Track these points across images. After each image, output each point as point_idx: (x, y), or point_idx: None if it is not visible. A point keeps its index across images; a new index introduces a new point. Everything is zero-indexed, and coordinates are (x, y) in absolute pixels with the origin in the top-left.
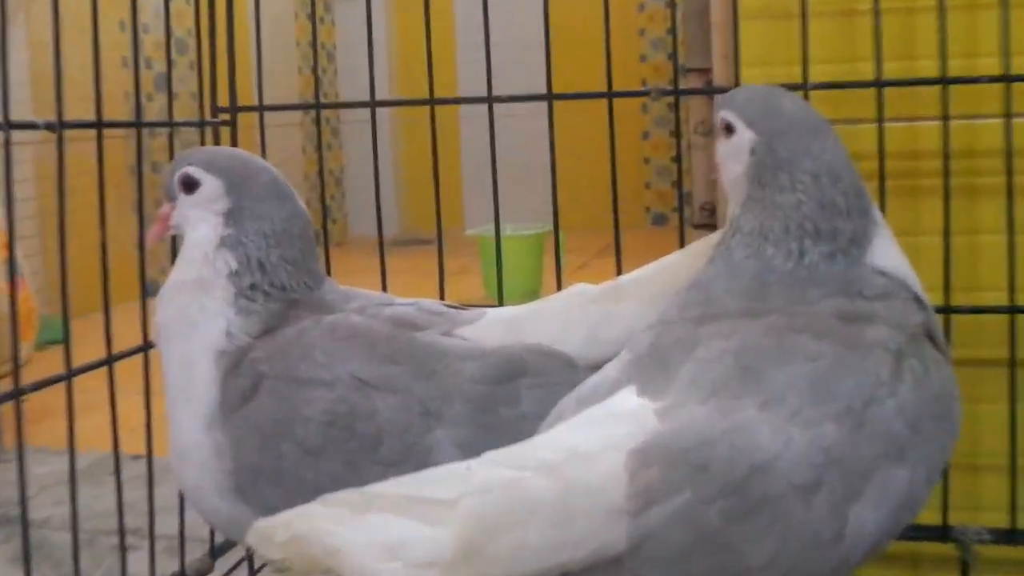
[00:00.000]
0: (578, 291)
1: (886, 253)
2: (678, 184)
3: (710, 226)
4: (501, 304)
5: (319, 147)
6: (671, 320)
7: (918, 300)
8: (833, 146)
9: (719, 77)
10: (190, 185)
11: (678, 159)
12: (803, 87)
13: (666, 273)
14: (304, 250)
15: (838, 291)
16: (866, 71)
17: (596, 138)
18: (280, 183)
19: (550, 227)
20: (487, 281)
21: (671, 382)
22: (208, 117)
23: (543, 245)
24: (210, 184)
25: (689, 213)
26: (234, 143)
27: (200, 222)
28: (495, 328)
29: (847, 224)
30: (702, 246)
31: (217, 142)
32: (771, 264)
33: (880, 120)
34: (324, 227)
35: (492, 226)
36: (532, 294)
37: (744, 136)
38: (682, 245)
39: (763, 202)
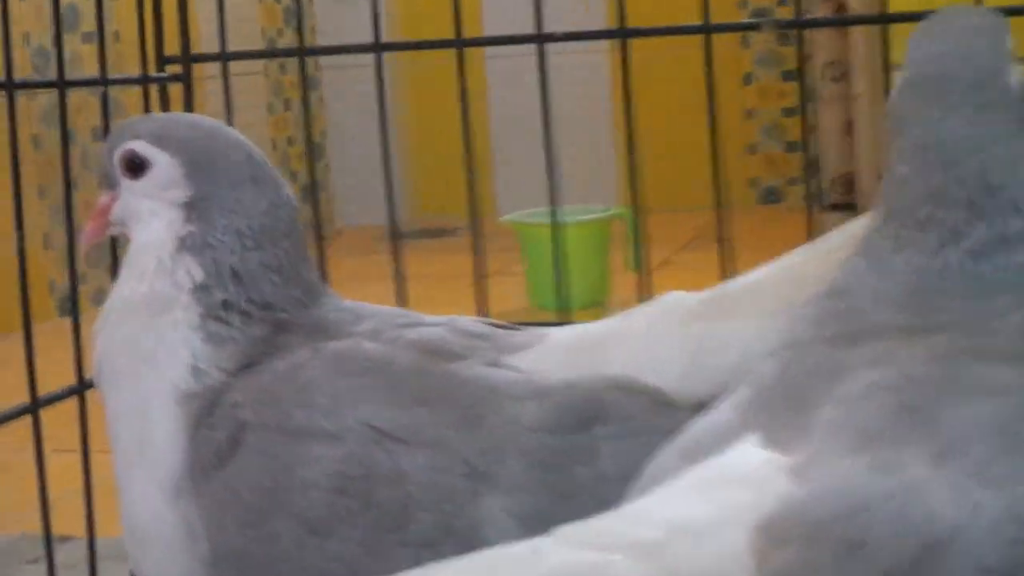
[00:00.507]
0: (672, 302)
1: None
2: (804, 149)
3: (847, 207)
4: (561, 319)
5: (305, 106)
6: (802, 342)
7: None
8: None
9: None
10: (136, 167)
11: (802, 115)
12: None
13: (791, 276)
14: (293, 253)
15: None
16: None
17: (677, 88)
18: (259, 162)
19: (617, 209)
20: (532, 286)
21: (807, 428)
22: (152, 71)
23: (608, 234)
24: (164, 165)
25: (816, 189)
26: (189, 106)
27: (152, 217)
28: (559, 355)
29: None
30: (839, 239)
31: (166, 106)
32: (939, 261)
33: None
34: (316, 218)
35: (532, 212)
36: (596, 304)
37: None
38: (809, 234)
39: (923, 171)
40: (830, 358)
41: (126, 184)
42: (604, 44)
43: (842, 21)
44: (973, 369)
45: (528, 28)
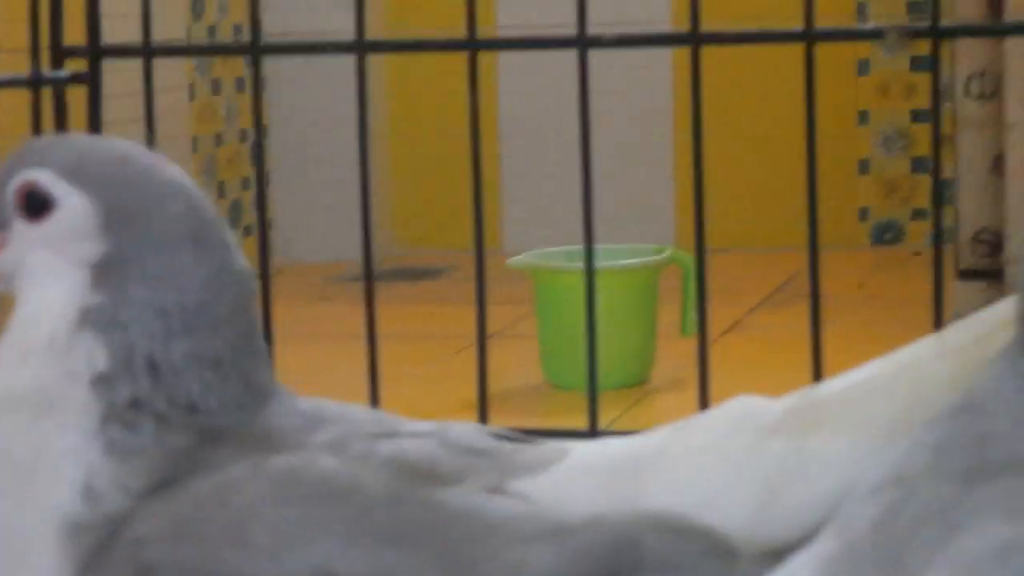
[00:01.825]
0: (741, 410)
1: None
2: (934, 192)
3: (990, 275)
4: (594, 425)
5: (256, 117)
6: (915, 476)
7: None
8: None
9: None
10: (37, 206)
11: (935, 144)
12: None
13: (909, 381)
14: (237, 343)
15: None
16: None
17: (760, 92)
18: (204, 217)
19: (671, 251)
20: (547, 355)
21: None
22: (47, 68)
23: (655, 286)
24: (74, 208)
25: (950, 246)
26: (95, 116)
27: (49, 276)
28: (585, 481)
29: None
30: (979, 328)
31: (62, 115)
32: None
33: None
34: (262, 252)
35: (549, 252)
36: (635, 383)
37: None
38: (938, 313)
39: None
40: (951, 499)
41: (20, 227)
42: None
43: (996, 31)
44: None
45: (556, 18)
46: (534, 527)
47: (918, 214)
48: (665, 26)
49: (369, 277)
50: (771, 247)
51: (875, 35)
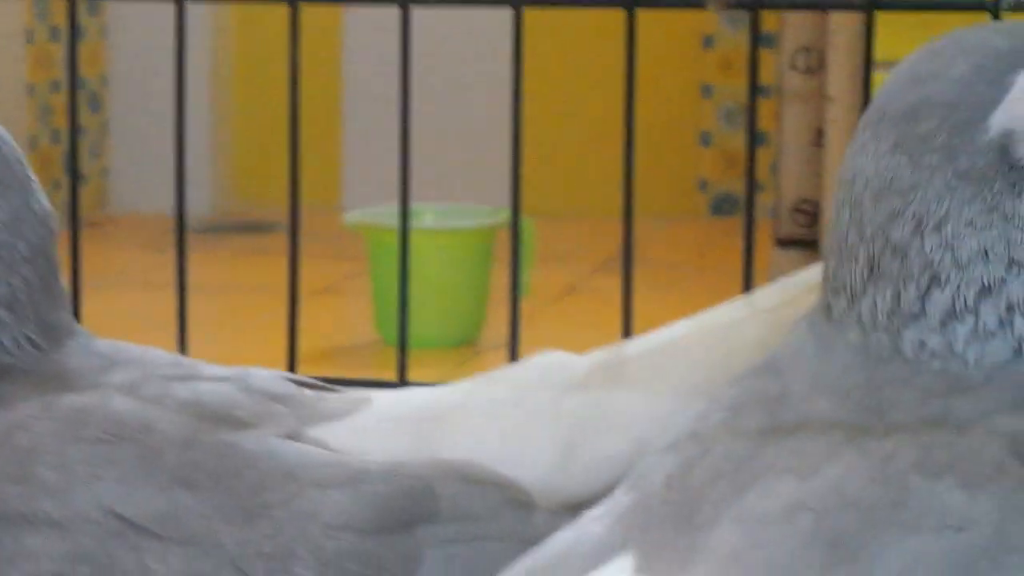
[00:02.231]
0: (548, 365)
1: None
2: (748, 165)
3: (807, 244)
4: (403, 377)
5: (71, 42)
6: (712, 431)
7: None
8: None
9: None
10: None
11: (749, 118)
12: (993, 5)
13: (714, 340)
14: (35, 283)
15: (1011, 403)
16: None
17: (598, 67)
18: (5, 156)
19: (508, 213)
20: (380, 312)
21: (694, 553)
22: None
23: (490, 248)
24: None
25: (768, 215)
26: None
27: None
28: (385, 429)
29: None
30: (787, 291)
31: None
32: (905, 344)
33: None
34: (72, 197)
35: (381, 209)
36: (466, 343)
37: None
38: (747, 279)
39: (850, 212)
40: (742, 459)
41: None
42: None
43: (813, 4)
44: (923, 492)
45: None
46: (330, 473)
47: (757, 187)
48: None
49: (182, 228)
50: (610, 214)
51: (696, 4)
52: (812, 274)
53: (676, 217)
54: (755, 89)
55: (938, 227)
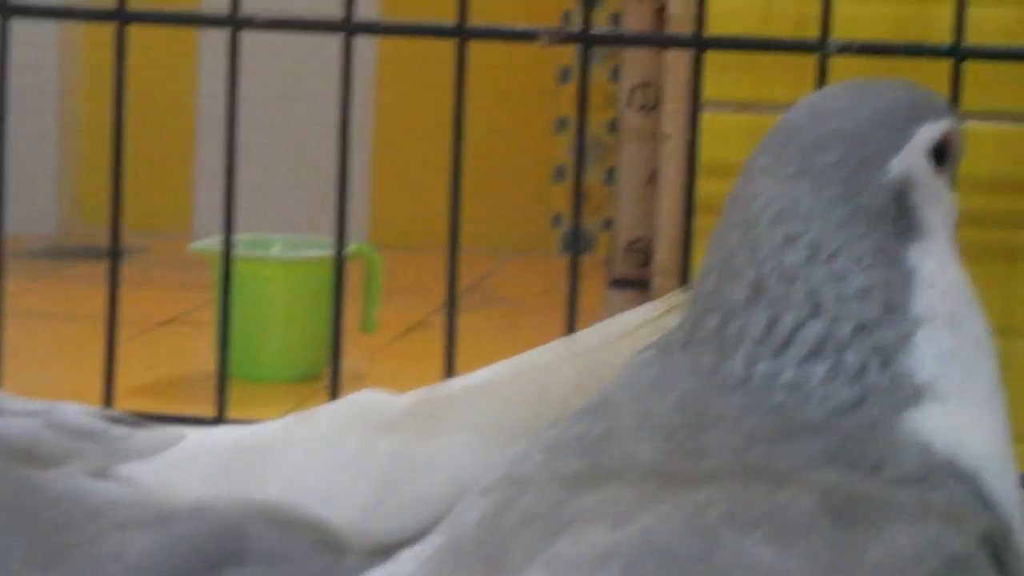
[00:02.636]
0: (365, 405)
1: (959, 414)
2: (575, 202)
3: (642, 284)
4: (221, 413)
5: None
6: (529, 474)
7: (979, 494)
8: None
9: (679, 5)
10: None
11: (579, 156)
12: (821, 47)
13: (530, 381)
14: None
15: (836, 454)
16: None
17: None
18: None
19: (357, 246)
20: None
21: None
22: None
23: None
24: None
25: (603, 253)
26: None
27: None
28: (197, 467)
29: (868, 333)
30: (608, 335)
31: None
32: (724, 371)
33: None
34: None
35: (240, 236)
36: (312, 377)
37: None
38: (571, 320)
39: (725, 236)
40: (557, 503)
41: None
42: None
43: (641, 41)
44: (731, 545)
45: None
46: (136, 513)
47: (609, 224)
48: (373, 13)
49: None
50: (463, 248)
51: (528, 36)
52: (633, 316)
53: (529, 253)
54: (584, 122)
55: (830, 258)
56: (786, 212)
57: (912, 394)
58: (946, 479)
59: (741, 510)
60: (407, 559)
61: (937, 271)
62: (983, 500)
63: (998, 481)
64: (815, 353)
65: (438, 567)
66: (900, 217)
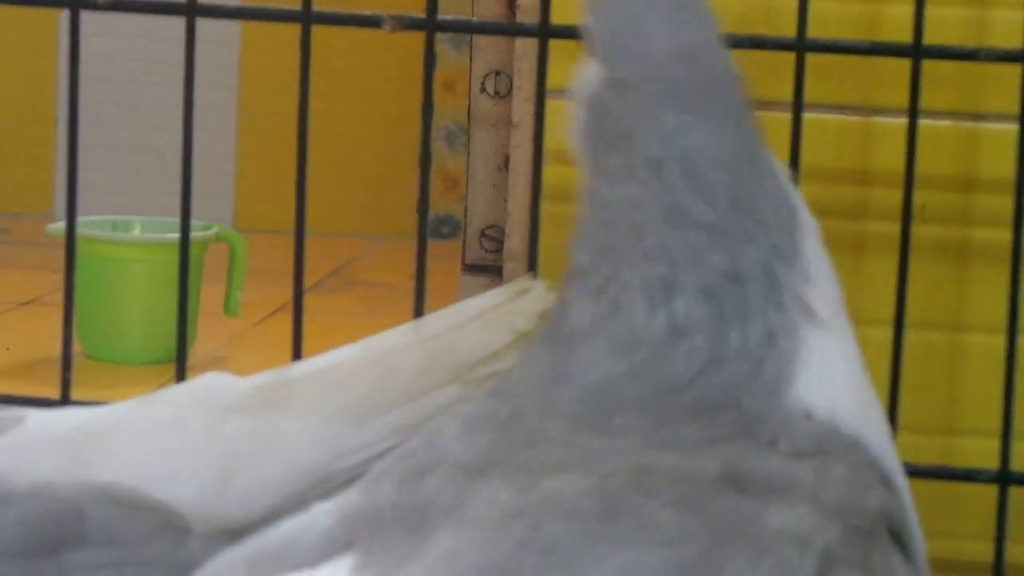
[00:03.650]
0: (210, 388)
1: (827, 372)
2: (421, 186)
3: (495, 270)
4: (65, 395)
5: None
6: (445, 443)
7: (875, 467)
8: (725, 115)
9: None
10: None
11: (424, 145)
12: None
13: (375, 365)
14: None
15: (735, 430)
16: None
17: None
18: None
19: (219, 228)
20: (82, 325)
21: (415, 555)
22: None
23: (201, 262)
24: None
25: (456, 239)
26: None
27: None
28: (37, 449)
29: (746, 282)
30: (451, 320)
31: None
32: (626, 355)
33: (797, 106)
34: None
35: (91, 219)
36: (172, 359)
37: (587, 74)
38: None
39: (601, 212)
40: (472, 469)
41: None
42: None
43: (486, 29)
44: (636, 507)
45: None
46: None
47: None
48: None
49: None
50: (330, 232)
51: (373, 22)
52: (479, 302)
53: (394, 237)
54: (430, 109)
55: (762, 183)
56: (725, 156)
57: (802, 323)
58: (839, 450)
59: (647, 477)
60: (327, 511)
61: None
62: (878, 472)
63: (883, 442)
64: (756, 276)
65: (357, 525)
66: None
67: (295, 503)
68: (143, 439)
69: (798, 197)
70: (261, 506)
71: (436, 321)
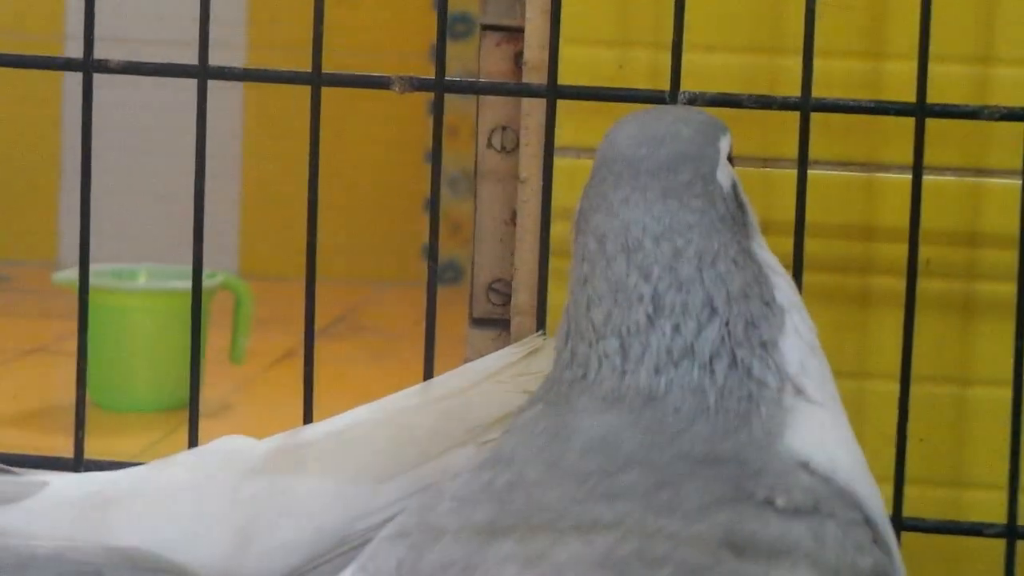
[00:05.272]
0: (229, 450)
1: (816, 430)
2: (431, 243)
3: (502, 324)
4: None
5: None
6: (440, 524)
7: (868, 524)
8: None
9: (533, 43)
10: None
11: (433, 199)
12: (672, 98)
13: (389, 427)
14: None
15: (729, 490)
16: (796, 75)
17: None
18: None
19: (224, 276)
20: (93, 378)
21: None
22: None
23: (207, 308)
24: None
25: (459, 285)
26: None
27: None
28: (60, 514)
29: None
30: (462, 381)
31: None
32: (625, 417)
33: (802, 163)
34: None
35: (111, 269)
36: (182, 407)
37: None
38: (428, 365)
39: (570, 288)
40: (472, 546)
41: None
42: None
43: (495, 89)
44: None
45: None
46: None
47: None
48: (239, 54)
49: None
50: (334, 278)
51: (382, 84)
52: (491, 362)
53: (400, 283)
54: (439, 166)
55: (713, 263)
56: (667, 230)
57: (788, 396)
58: (834, 507)
59: (651, 547)
60: None
61: (773, 261)
62: (871, 530)
63: (872, 496)
64: (716, 354)
65: None
66: (742, 217)
67: (313, 565)
68: (162, 504)
69: (783, 280)
70: (279, 568)
71: (449, 381)
